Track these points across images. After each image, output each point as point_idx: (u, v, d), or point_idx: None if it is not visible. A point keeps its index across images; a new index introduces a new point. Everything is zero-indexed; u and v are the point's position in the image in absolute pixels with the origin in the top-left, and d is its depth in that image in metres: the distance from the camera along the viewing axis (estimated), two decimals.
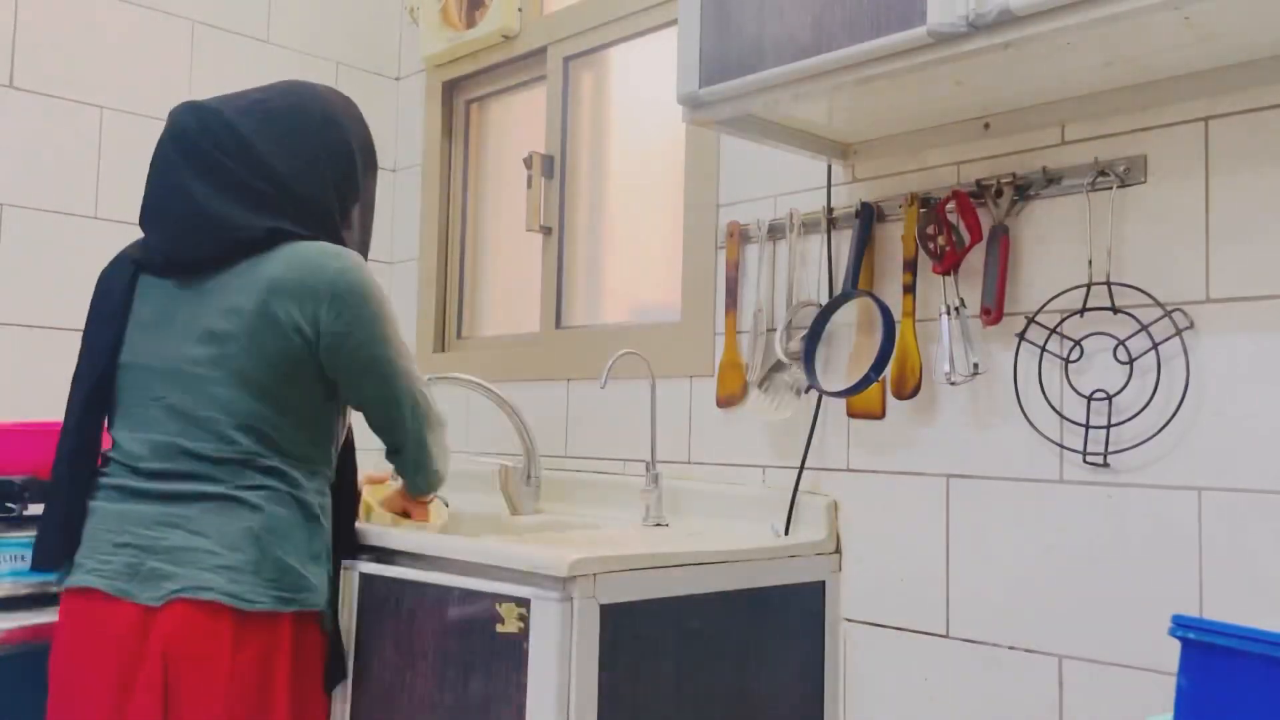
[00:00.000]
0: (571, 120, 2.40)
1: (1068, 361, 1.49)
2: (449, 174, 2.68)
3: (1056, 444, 1.50)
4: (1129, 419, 1.43)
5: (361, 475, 1.77)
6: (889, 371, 1.65)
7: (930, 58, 1.29)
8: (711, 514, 1.88)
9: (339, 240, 1.59)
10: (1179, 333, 1.39)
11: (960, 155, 1.63)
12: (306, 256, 1.50)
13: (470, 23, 2.54)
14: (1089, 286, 1.47)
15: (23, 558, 1.71)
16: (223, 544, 1.44)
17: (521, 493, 2.10)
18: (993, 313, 1.53)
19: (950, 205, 1.60)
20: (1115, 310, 1.44)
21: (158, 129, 2.37)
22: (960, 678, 1.58)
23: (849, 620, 1.72)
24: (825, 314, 1.71)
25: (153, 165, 1.56)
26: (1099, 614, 1.45)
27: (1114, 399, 1.44)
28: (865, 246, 1.70)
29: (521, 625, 1.39)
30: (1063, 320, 1.50)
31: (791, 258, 1.82)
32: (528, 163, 2.39)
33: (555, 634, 1.35)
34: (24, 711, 1.65)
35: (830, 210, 1.78)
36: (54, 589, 1.57)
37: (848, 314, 1.73)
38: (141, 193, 2.32)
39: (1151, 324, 1.41)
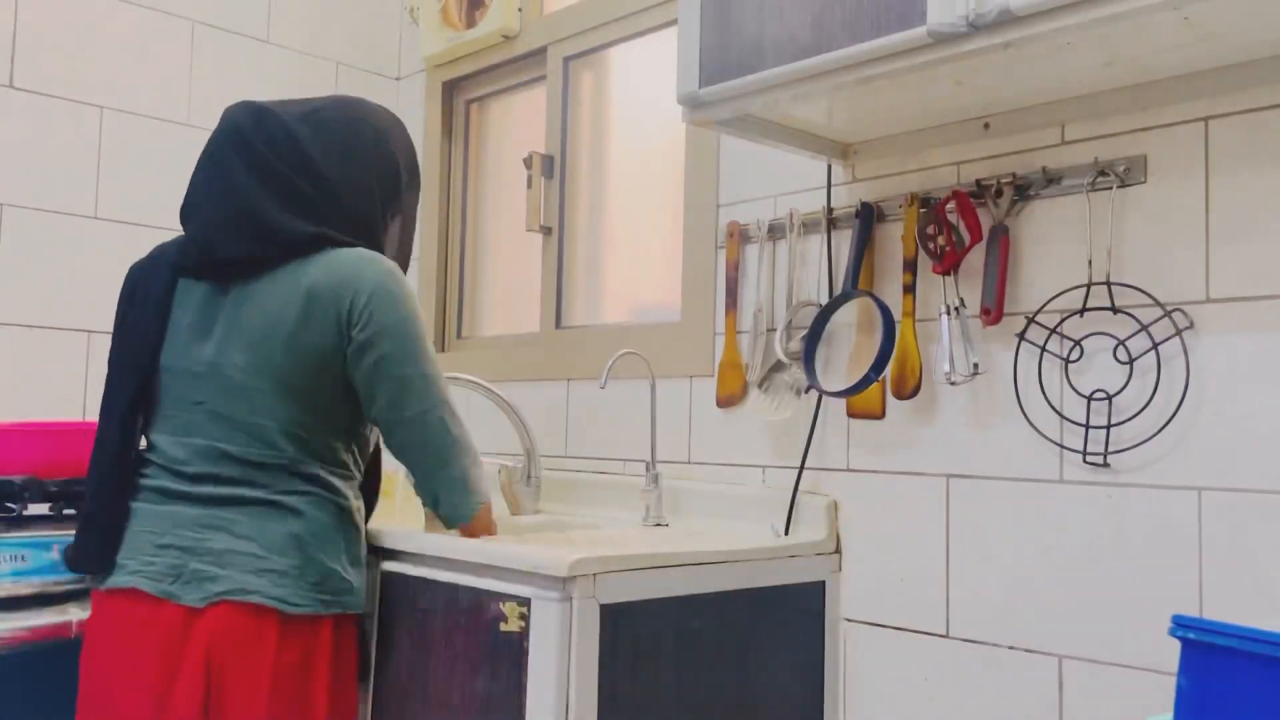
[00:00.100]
0: (571, 120, 2.40)
1: (1068, 361, 1.49)
2: (449, 174, 2.68)
3: (1056, 444, 1.50)
4: (1129, 419, 1.43)
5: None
6: (889, 371, 1.65)
7: (930, 58, 1.29)
8: (711, 514, 1.88)
9: (379, 250, 1.59)
10: (1179, 333, 1.39)
11: (960, 155, 1.63)
12: (345, 260, 1.50)
13: (470, 23, 2.54)
14: (1089, 286, 1.47)
15: (23, 558, 1.71)
16: (267, 548, 1.44)
17: (522, 493, 2.10)
18: (993, 313, 1.53)
19: (950, 205, 1.60)
20: (1115, 310, 1.44)
21: (158, 129, 2.38)
22: (960, 678, 1.58)
23: (849, 620, 1.72)
24: (825, 314, 1.71)
25: (203, 159, 1.56)
26: (1099, 614, 1.45)
27: (1114, 399, 1.44)
28: (865, 246, 1.70)
29: (523, 624, 1.39)
30: (1063, 320, 1.50)
31: (791, 258, 1.82)
32: (528, 163, 2.39)
33: (555, 634, 1.35)
34: (25, 711, 1.65)
35: (830, 210, 1.78)
36: (89, 586, 1.55)
37: (848, 314, 1.73)
38: (141, 193, 2.36)
39: (1151, 324, 1.41)
